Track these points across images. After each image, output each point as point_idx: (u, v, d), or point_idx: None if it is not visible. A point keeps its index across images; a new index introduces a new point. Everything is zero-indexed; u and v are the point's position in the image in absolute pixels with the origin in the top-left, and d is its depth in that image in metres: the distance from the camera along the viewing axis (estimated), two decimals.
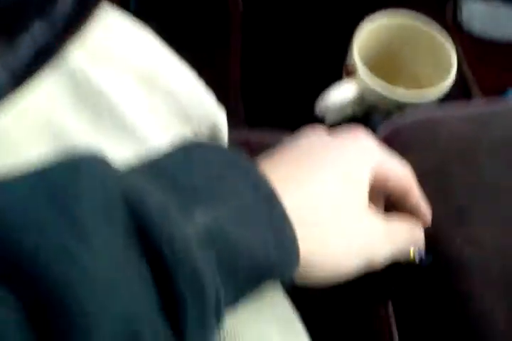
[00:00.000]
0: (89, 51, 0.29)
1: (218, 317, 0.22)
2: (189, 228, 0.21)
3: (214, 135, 0.39)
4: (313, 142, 0.30)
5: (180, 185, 0.23)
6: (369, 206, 0.29)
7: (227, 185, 0.24)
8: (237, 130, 0.51)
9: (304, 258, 0.25)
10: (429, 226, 0.36)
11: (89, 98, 0.28)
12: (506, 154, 0.47)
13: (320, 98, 0.65)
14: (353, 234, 0.27)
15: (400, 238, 0.31)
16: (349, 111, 0.69)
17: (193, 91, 0.36)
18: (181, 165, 0.24)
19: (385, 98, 0.64)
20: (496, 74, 0.85)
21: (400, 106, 0.63)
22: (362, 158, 0.29)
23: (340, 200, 0.27)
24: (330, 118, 0.68)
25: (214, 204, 0.22)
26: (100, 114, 0.28)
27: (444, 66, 0.68)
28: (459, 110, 0.51)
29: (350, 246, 0.27)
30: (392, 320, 0.40)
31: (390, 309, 0.41)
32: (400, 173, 0.32)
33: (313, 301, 0.40)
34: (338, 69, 0.71)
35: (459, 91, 0.80)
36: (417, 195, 0.34)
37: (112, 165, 0.22)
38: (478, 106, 0.52)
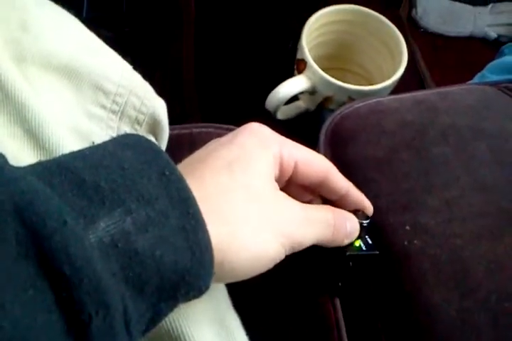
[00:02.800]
0: (7, 53, 0.28)
1: (130, 332, 0.20)
2: (91, 237, 0.19)
3: (152, 127, 0.38)
4: (214, 141, 0.29)
5: (86, 188, 0.21)
6: (283, 193, 0.28)
7: (137, 189, 0.22)
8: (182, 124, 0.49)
9: (218, 254, 0.23)
10: (371, 214, 0.34)
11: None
12: (454, 140, 0.46)
13: (270, 94, 0.63)
14: (263, 216, 0.26)
15: (320, 222, 0.29)
16: (302, 106, 0.68)
17: (123, 79, 0.34)
18: (91, 165, 0.22)
19: (336, 91, 0.62)
20: (450, 69, 0.85)
21: (352, 99, 0.62)
22: (253, 143, 0.28)
23: (235, 186, 0.26)
24: (282, 113, 0.67)
25: (121, 211, 0.21)
26: (9, 119, 0.27)
27: (396, 59, 0.67)
28: (407, 98, 0.50)
29: (263, 230, 0.26)
30: (340, 316, 0.38)
31: (338, 305, 0.39)
32: (309, 158, 0.30)
33: (259, 297, 0.38)
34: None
35: (414, 85, 0.80)
36: (338, 181, 0.32)
37: (8, 163, 0.20)
38: (426, 94, 0.51)
